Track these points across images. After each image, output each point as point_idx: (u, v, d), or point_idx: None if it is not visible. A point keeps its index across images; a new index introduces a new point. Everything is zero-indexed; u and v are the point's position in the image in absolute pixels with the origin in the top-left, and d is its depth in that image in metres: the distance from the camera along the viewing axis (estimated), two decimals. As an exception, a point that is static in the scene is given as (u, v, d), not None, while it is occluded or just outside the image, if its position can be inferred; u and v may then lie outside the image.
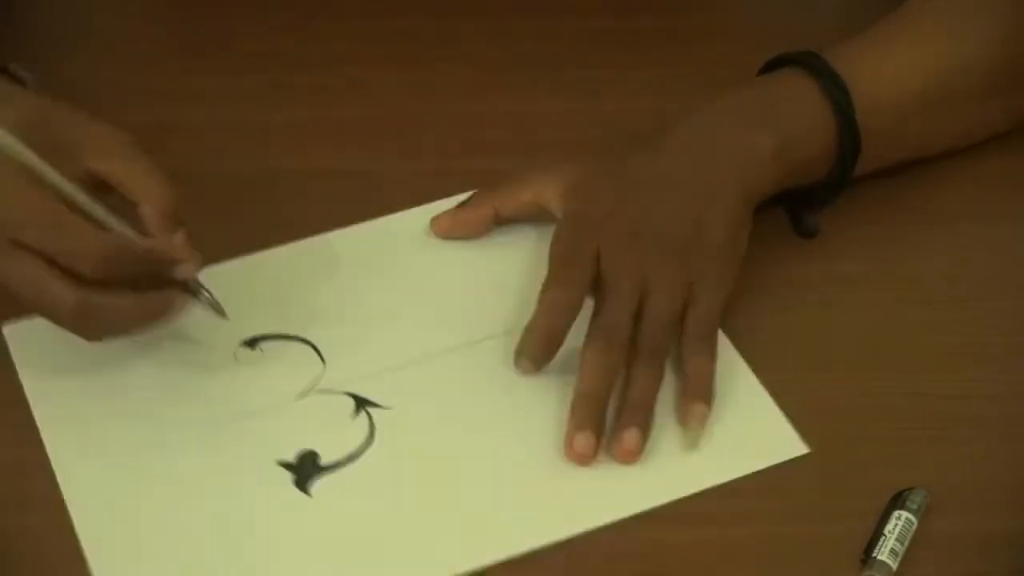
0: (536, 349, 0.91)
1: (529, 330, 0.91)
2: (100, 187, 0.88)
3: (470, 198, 0.99)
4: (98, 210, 0.86)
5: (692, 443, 0.89)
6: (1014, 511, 0.87)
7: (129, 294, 0.86)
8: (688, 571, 0.85)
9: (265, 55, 1.07)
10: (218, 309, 0.90)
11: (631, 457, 0.88)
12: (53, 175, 0.85)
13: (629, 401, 0.90)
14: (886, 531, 0.85)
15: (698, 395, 0.90)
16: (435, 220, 0.99)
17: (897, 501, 0.86)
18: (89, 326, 0.87)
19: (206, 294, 0.89)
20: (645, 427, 0.89)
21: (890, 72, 0.98)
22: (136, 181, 0.87)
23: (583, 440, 0.88)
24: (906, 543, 0.85)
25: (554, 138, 1.05)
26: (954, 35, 1.00)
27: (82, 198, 0.86)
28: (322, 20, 1.09)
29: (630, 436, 0.88)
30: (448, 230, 0.99)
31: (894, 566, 0.84)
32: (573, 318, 0.91)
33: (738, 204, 0.94)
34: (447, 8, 1.10)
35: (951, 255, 0.99)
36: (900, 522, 0.85)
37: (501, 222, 0.99)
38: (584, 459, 0.88)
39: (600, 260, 0.92)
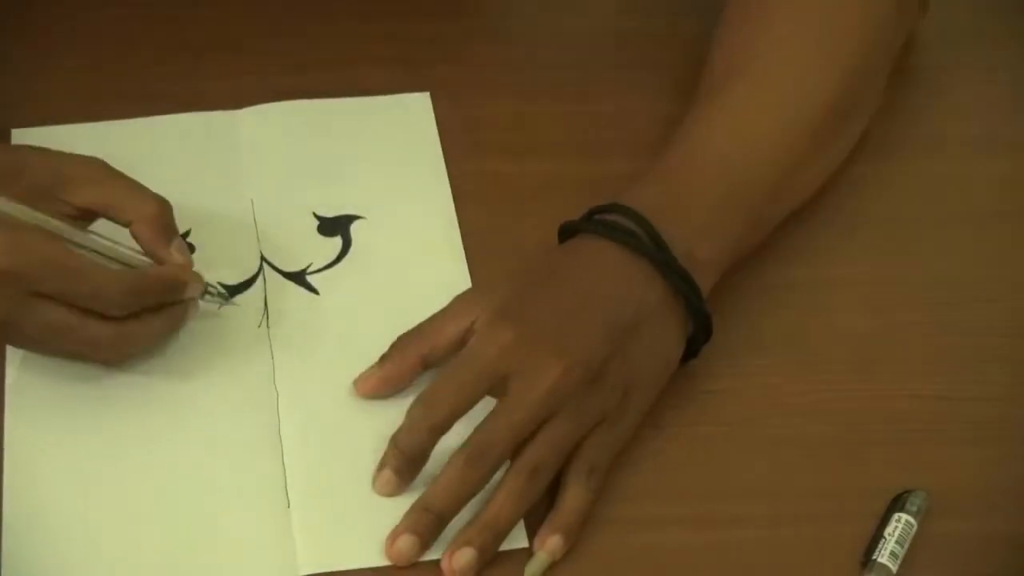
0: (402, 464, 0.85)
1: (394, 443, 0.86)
2: (87, 217, 0.89)
3: (392, 348, 0.89)
4: (114, 248, 0.88)
5: (534, 572, 0.83)
6: (1014, 513, 0.87)
7: (151, 316, 0.88)
8: (688, 573, 0.85)
9: (265, 58, 1.07)
10: (227, 299, 0.92)
11: None
12: (58, 225, 0.86)
13: (481, 517, 0.83)
14: (886, 533, 0.85)
15: (562, 527, 0.84)
16: (359, 381, 0.89)
17: (897, 503, 0.86)
18: (122, 354, 0.88)
19: (214, 292, 0.91)
20: (485, 550, 0.83)
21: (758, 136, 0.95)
22: (121, 202, 0.89)
23: (408, 543, 0.83)
24: (906, 545, 0.85)
25: (553, 139, 1.05)
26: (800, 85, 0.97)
27: (89, 239, 0.87)
28: (320, 23, 1.09)
29: (462, 556, 0.82)
30: (374, 390, 0.88)
31: (894, 569, 0.84)
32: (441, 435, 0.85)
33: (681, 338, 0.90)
34: (445, 9, 1.10)
35: (949, 257, 0.99)
36: (900, 524, 0.85)
37: (430, 366, 0.89)
38: (403, 560, 0.83)
39: (510, 371, 0.85)
